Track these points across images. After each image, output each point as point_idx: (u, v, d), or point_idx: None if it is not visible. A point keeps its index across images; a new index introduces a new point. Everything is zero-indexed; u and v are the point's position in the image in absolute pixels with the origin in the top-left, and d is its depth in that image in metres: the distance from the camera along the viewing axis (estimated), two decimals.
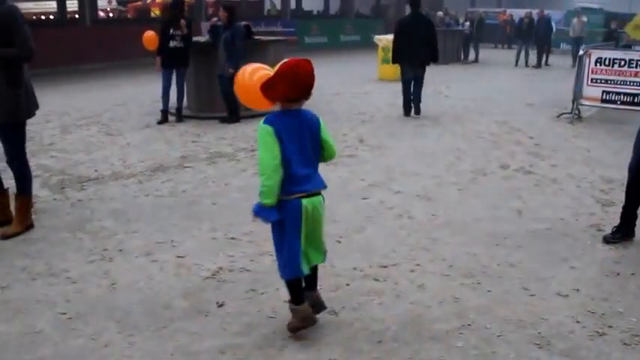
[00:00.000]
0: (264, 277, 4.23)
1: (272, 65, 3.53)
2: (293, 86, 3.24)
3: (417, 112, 10.66)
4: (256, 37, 11.20)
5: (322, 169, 6.53)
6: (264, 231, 4.12)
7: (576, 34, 20.95)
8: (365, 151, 8.00)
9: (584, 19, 21.66)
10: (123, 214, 5.60)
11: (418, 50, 10.41)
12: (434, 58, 10.60)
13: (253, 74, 3.41)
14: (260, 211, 3.30)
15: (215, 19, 10.39)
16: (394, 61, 10.91)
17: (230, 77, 8.63)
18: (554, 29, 21.94)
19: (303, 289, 3.50)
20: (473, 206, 5.83)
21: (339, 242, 4.92)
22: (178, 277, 4.30)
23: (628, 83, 9.88)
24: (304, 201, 3.29)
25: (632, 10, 28.97)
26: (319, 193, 3.40)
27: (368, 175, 6.81)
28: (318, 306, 3.57)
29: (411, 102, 10.65)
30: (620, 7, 31.87)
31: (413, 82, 10.58)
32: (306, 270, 3.40)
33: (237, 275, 4.31)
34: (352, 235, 5.08)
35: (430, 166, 7.31)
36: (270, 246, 3.67)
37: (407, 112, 10.67)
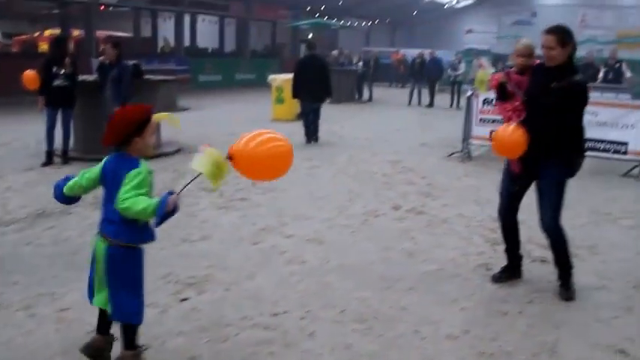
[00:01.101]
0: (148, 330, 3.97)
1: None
2: None
3: (315, 139, 12.31)
4: (146, 77, 10.88)
5: (214, 214, 6.33)
6: None
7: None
8: (258, 194, 7.84)
9: (484, 61, 21.66)
10: (1, 265, 5.18)
11: (314, 87, 12.06)
12: (328, 94, 12.52)
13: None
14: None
15: (102, 57, 10.03)
16: (294, 96, 12.60)
17: None
18: (443, 69, 22.65)
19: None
20: (365, 249, 5.79)
21: (229, 290, 4.74)
22: (58, 333, 4.00)
23: None
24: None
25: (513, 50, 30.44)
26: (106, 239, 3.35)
27: (260, 219, 6.66)
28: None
29: (313, 131, 12.32)
30: (507, 49, 33.60)
31: (311, 114, 12.25)
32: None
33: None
34: (242, 283, 4.90)
35: (322, 208, 7.25)
36: None
37: (309, 139, 12.24)
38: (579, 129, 4.72)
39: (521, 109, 4.80)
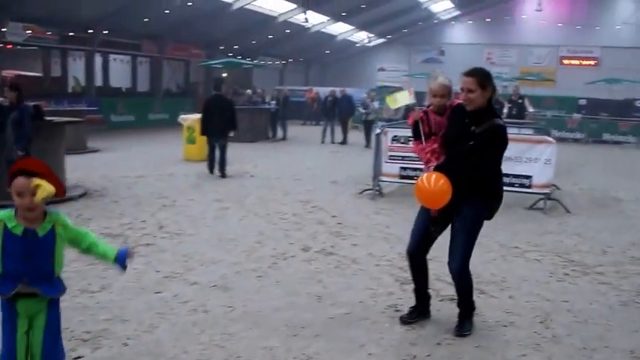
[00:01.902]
0: None
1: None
2: None
3: (223, 175, 12.74)
4: (50, 118, 10.45)
5: None
6: None
7: (390, 115, 19.95)
8: (164, 238, 7.54)
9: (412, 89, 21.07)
10: None
11: (220, 124, 12.91)
12: (233, 128, 13.26)
13: None
14: None
15: (1, 99, 9.56)
16: (202, 133, 13.35)
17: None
18: (355, 106, 22.82)
19: None
20: (272, 294, 5.61)
21: (126, 346, 4.44)
22: None
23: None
24: None
25: (424, 87, 31.24)
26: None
27: (164, 266, 6.37)
28: None
29: (215, 164, 12.90)
30: (417, 87, 34.49)
31: (217, 149, 12.88)
32: None
33: None
34: (141, 336, 4.62)
35: (230, 252, 7.03)
36: None
37: (211, 169, 12.92)
38: (497, 174, 4.72)
39: (439, 152, 4.75)
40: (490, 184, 4.64)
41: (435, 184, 4.42)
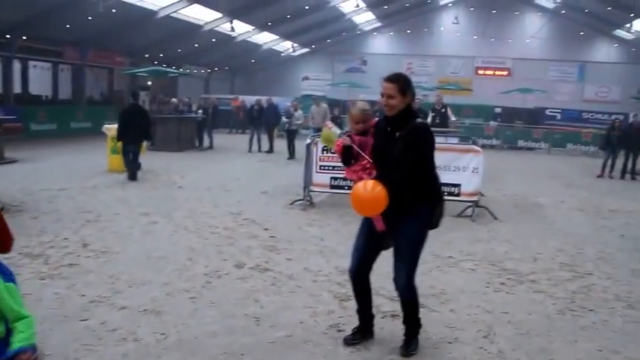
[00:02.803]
0: None
1: None
2: None
3: (133, 178, 13.29)
4: None
5: (36, 285, 5.58)
6: None
7: (317, 124, 18.51)
8: (89, 257, 7.08)
9: (325, 105, 20.18)
10: None
11: (135, 132, 13.48)
12: (147, 137, 14.60)
13: None
14: None
15: None
16: (118, 139, 13.62)
17: None
18: (281, 115, 22.62)
19: None
20: (207, 317, 5.30)
21: None
22: None
23: None
24: None
25: (351, 96, 31.54)
26: None
27: (90, 289, 5.95)
28: None
29: (132, 167, 13.41)
30: (341, 95, 34.71)
31: (132, 155, 13.40)
32: None
33: None
34: None
35: (161, 271, 6.66)
36: None
37: (131, 177, 13.33)
38: (433, 177, 4.59)
39: (371, 167, 4.62)
40: (429, 191, 4.52)
41: (371, 190, 4.28)
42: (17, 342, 2.78)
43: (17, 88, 27.07)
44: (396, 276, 4.58)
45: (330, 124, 5.49)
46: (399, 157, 4.32)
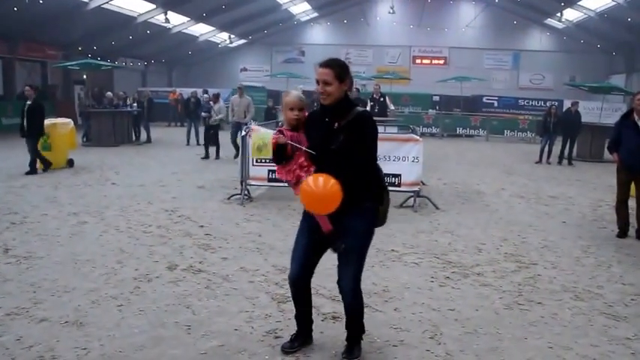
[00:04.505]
0: None
1: None
2: None
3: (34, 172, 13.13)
4: None
5: None
6: None
7: (238, 117, 16.70)
8: (9, 264, 6.54)
9: (248, 97, 17.57)
10: None
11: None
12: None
13: None
14: None
15: None
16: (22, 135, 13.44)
17: None
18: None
19: None
20: (134, 328, 4.88)
21: None
22: None
23: None
24: None
25: (290, 87, 31.22)
26: None
27: (7, 300, 5.44)
28: None
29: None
30: (279, 86, 34.31)
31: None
32: None
33: None
34: None
35: (87, 276, 6.19)
36: None
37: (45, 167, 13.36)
38: (377, 170, 4.25)
39: (308, 164, 4.20)
40: (372, 184, 4.18)
41: (324, 185, 3.87)
42: None
43: None
44: (341, 280, 4.24)
45: (255, 127, 4.82)
46: (340, 150, 3.97)
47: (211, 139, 17.24)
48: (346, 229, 4.13)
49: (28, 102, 13.42)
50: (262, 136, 4.18)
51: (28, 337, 4.65)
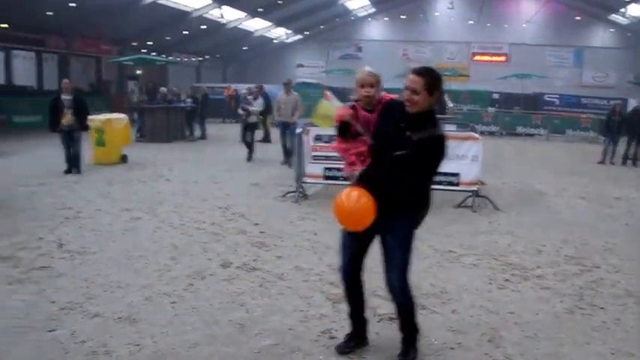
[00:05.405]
0: None
1: None
2: None
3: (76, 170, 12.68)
4: None
5: (3, 291, 5.07)
6: None
7: (285, 117, 15.02)
8: (63, 259, 6.58)
9: (296, 94, 15.59)
10: None
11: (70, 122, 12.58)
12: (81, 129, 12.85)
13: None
14: None
15: None
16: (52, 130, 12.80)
17: None
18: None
19: None
20: (187, 325, 4.82)
21: None
22: None
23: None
24: None
25: (345, 83, 31.06)
26: None
27: (61, 294, 5.45)
28: None
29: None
30: (335, 82, 34.16)
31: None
32: None
33: None
34: None
35: (140, 272, 6.17)
36: None
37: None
38: (430, 185, 4.11)
39: (366, 155, 4.06)
40: (422, 194, 4.04)
41: (356, 202, 3.78)
42: None
43: (1, 79, 26.45)
44: (387, 277, 4.12)
45: (329, 94, 4.68)
46: (403, 160, 3.80)
47: (247, 139, 15.90)
48: (390, 227, 4.01)
49: (65, 96, 12.66)
50: (331, 106, 4.11)
51: (82, 332, 4.65)
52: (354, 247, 4.20)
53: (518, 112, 30.51)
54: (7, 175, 11.99)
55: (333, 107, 4.18)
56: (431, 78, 3.85)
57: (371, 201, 3.77)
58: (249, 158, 15.70)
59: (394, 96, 4.23)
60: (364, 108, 4.21)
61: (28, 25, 25.33)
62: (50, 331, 4.68)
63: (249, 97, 16.59)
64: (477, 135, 10.42)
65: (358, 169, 4.13)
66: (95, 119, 14.13)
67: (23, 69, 28.99)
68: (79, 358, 4.24)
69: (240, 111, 16.55)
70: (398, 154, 3.81)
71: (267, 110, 20.21)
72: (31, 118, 24.55)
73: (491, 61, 43.80)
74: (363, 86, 4.18)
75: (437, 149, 3.88)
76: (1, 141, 17.58)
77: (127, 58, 25.78)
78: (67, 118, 12.52)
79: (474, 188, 10.07)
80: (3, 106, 23.22)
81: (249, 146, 15.83)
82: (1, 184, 10.89)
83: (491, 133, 27.50)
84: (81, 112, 12.74)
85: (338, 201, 3.88)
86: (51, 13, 24.60)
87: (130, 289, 5.67)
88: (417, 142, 3.80)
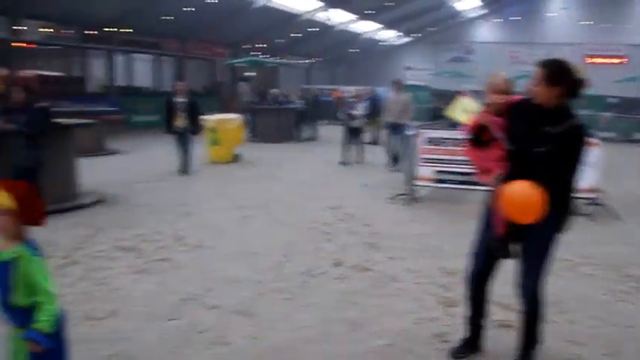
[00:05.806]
0: None
1: None
2: None
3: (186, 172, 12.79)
4: (60, 120, 9.71)
5: (128, 281, 5.36)
6: None
7: (393, 118, 14.44)
8: (182, 252, 6.88)
9: (406, 94, 15.17)
10: None
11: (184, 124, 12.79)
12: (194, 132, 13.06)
13: None
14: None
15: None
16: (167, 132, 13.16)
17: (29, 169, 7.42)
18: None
19: None
20: (302, 322, 4.91)
21: None
22: None
23: (458, 162, 9.68)
24: None
25: (454, 86, 30.62)
26: None
27: (181, 286, 5.70)
28: None
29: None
30: (443, 85, 33.73)
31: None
32: None
33: None
34: None
35: (254, 268, 6.34)
36: None
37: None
38: (574, 182, 3.92)
39: (504, 160, 3.94)
40: (566, 195, 3.86)
41: (531, 194, 3.59)
42: (35, 325, 2.82)
43: (120, 81, 27.87)
44: (522, 283, 4.00)
45: (466, 92, 4.59)
46: (545, 157, 3.68)
47: (353, 140, 15.36)
48: (533, 232, 3.85)
49: (179, 99, 12.94)
50: (470, 102, 4.05)
51: (201, 323, 4.83)
52: (489, 250, 4.11)
53: (637, 118, 28.95)
54: (128, 173, 12.61)
55: (472, 103, 4.11)
56: (550, 69, 3.73)
57: (541, 193, 3.61)
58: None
59: (518, 97, 4.12)
60: (494, 113, 4.10)
61: (147, 30, 26.60)
62: (171, 320, 4.91)
63: (354, 100, 16.28)
64: (595, 140, 9.99)
65: (498, 174, 4.01)
66: (209, 119, 14.64)
67: (141, 71, 30.46)
68: (199, 347, 4.41)
69: (341, 115, 16.21)
70: (539, 150, 3.70)
71: (374, 113, 19.98)
72: (149, 118, 25.74)
73: (608, 64, 41.76)
74: (497, 92, 4.08)
75: (579, 139, 3.73)
76: (122, 139, 18.52)
77: (240, 60, 26.51)
78: (181, 121, 12.87)
79: (593, 195, 9.65)
80: (124, 107, 24.43)
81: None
82: (122, 181, 11.49)
83: (607, 140, 26.16)
84: (194, 115, 13.08)
85: (511, 193, 3.68)
86: (169, 18, 25.72)
87: (245, 283, 5.83)
88: (557, 135, 3.68)
